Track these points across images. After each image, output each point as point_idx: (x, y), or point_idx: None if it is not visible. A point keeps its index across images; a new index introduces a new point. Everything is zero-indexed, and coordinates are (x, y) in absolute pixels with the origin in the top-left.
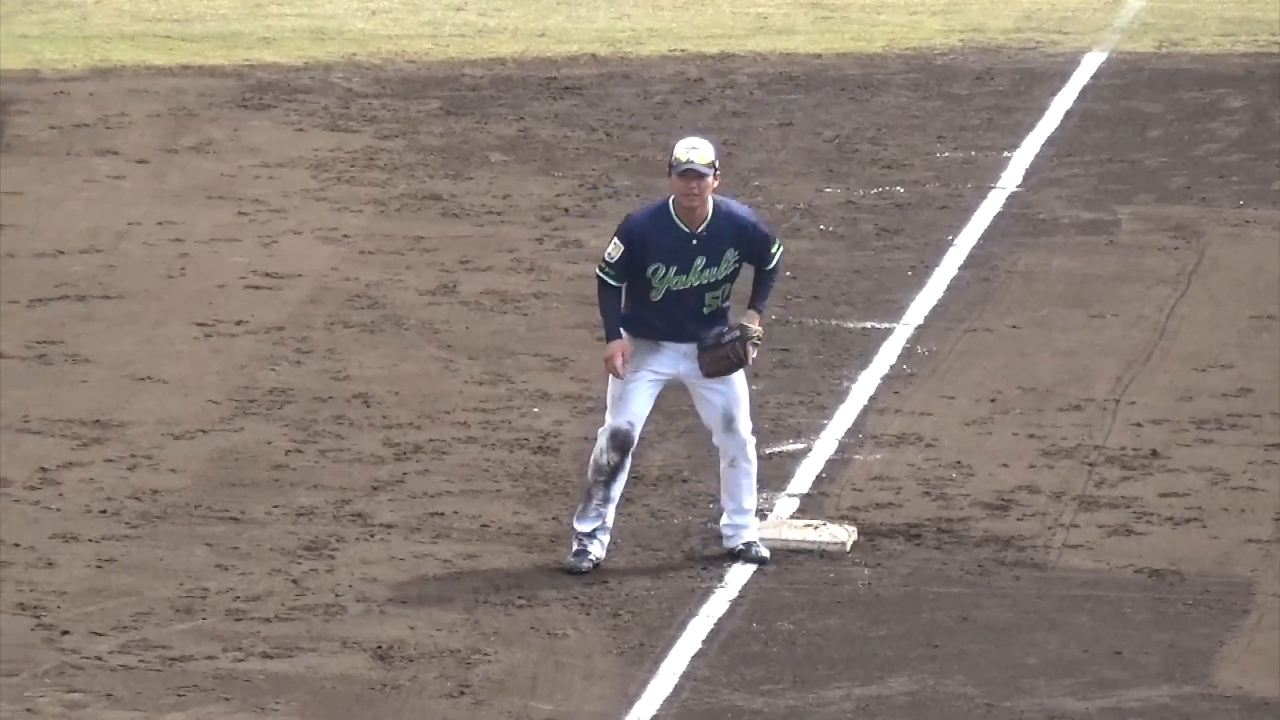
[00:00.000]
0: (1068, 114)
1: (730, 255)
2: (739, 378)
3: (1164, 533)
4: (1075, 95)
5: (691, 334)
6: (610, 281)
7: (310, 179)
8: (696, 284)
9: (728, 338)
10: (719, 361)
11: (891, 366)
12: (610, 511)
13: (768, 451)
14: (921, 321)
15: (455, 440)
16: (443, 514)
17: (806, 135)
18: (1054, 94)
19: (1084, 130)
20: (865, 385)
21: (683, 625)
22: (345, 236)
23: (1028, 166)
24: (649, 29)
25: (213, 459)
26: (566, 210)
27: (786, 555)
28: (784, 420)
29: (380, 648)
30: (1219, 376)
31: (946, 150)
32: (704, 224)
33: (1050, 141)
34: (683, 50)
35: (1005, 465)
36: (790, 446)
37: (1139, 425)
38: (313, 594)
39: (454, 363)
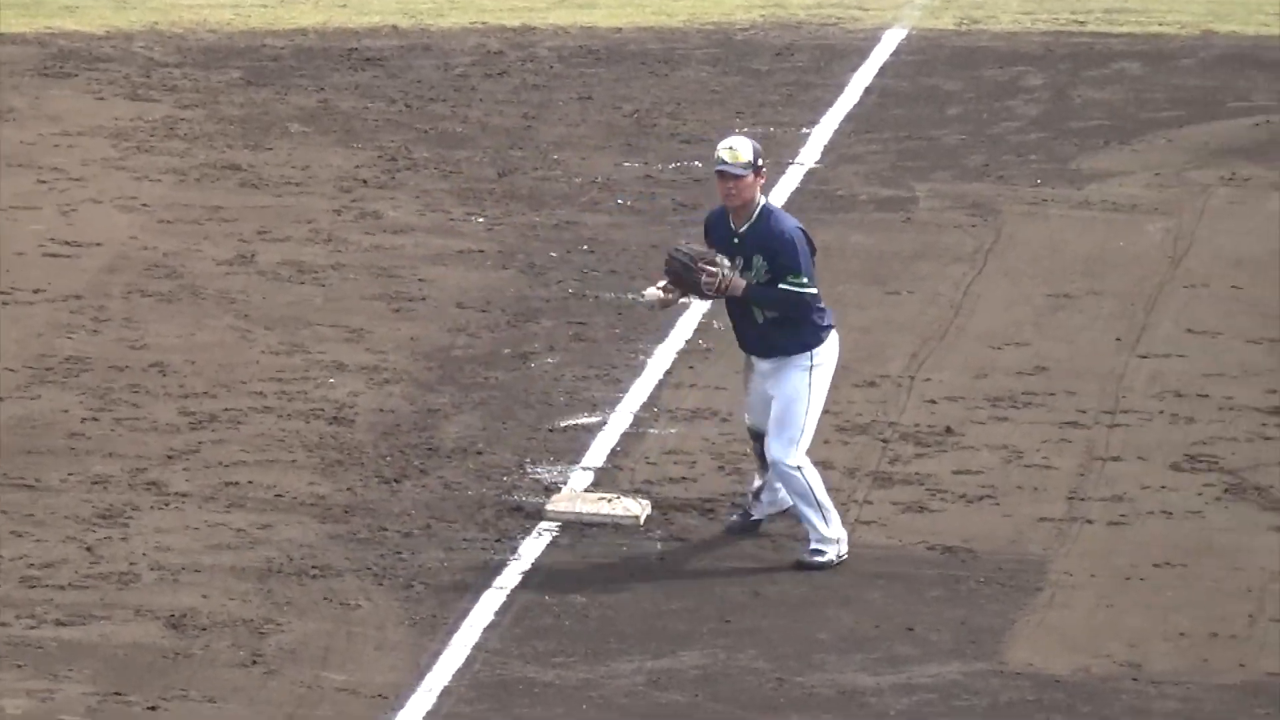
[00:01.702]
0: (867, 91)
1: (759, 262)
2: (792, 397)
3: (957, 510)
4: (875, 72)
5: (752, 345)
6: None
7: (110, 148)
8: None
9: (698, 260)
10: (671, 276)
11: (687, 341)
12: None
13: (562, 424)
14: None
15: (251, 410)
16: (238, 483)
17: (606, 109)
18: (854, 70)
19: (883, 107)
20: (661, 359)
21: (475, 597)
22: (144, 206)
23: (826, 143)
24: (450, 1)
25: (8, 426)
26: (365, 182)
27: (580, 528)
28: (579, 394)
29: (173, 616)
30: (1014, 354)
31: (745, 125)
32: (746, 224)
33: (849, 118)
34: (484, 23)
35: None
36: (585, 420)
37: (934, 402)
38: (107, 562)
39: (251, 333)
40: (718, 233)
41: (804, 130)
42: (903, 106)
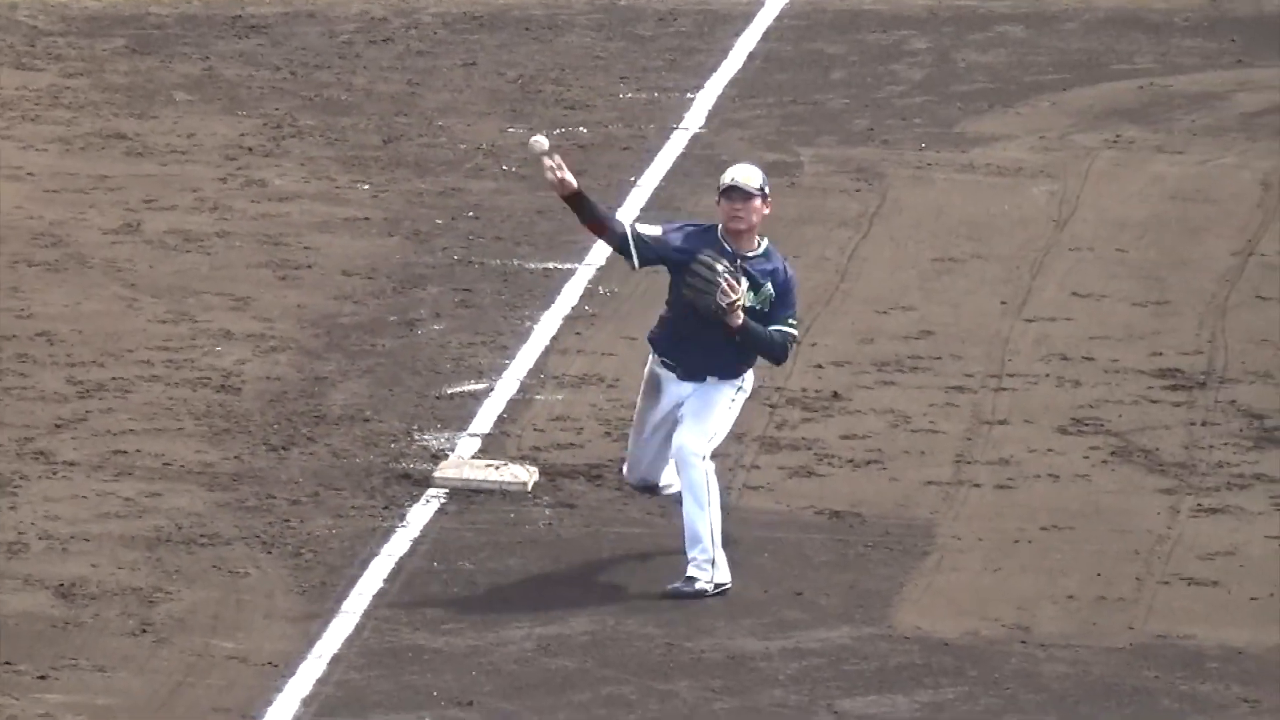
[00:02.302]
0: (751, 55)
1: (768, 290)
2: (715, 413)
3: (844, 474)
4: (759, 37)
5: (709, 368)
6: (626, 230)
7: None
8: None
9: (722, 273)
10: (692, 289)
11: (574, 307)
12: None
13: (449, 391)
14: (603, 262)
15: (138, 379)
16: (125, 452)
17: (490, 75)
18: (737, 35)
19: (766, 72)
20: (547, 326)
21: (364, 564)
22: (29, 175)
23: (710, 108)
24: None
25: None
26: (250, 149)
27: (468, 495)
28: (465, 360)
29: (62, 585)
30: (900, 319)
31: (630, 91)
32: (752, 254)
33: (733, 83)
34: None
35: None
36: (472, 386)
37: (820, 367)
38: None
39: (137, 301)
40: (706, 249)
41: (688, 95)
42: (786, 71)
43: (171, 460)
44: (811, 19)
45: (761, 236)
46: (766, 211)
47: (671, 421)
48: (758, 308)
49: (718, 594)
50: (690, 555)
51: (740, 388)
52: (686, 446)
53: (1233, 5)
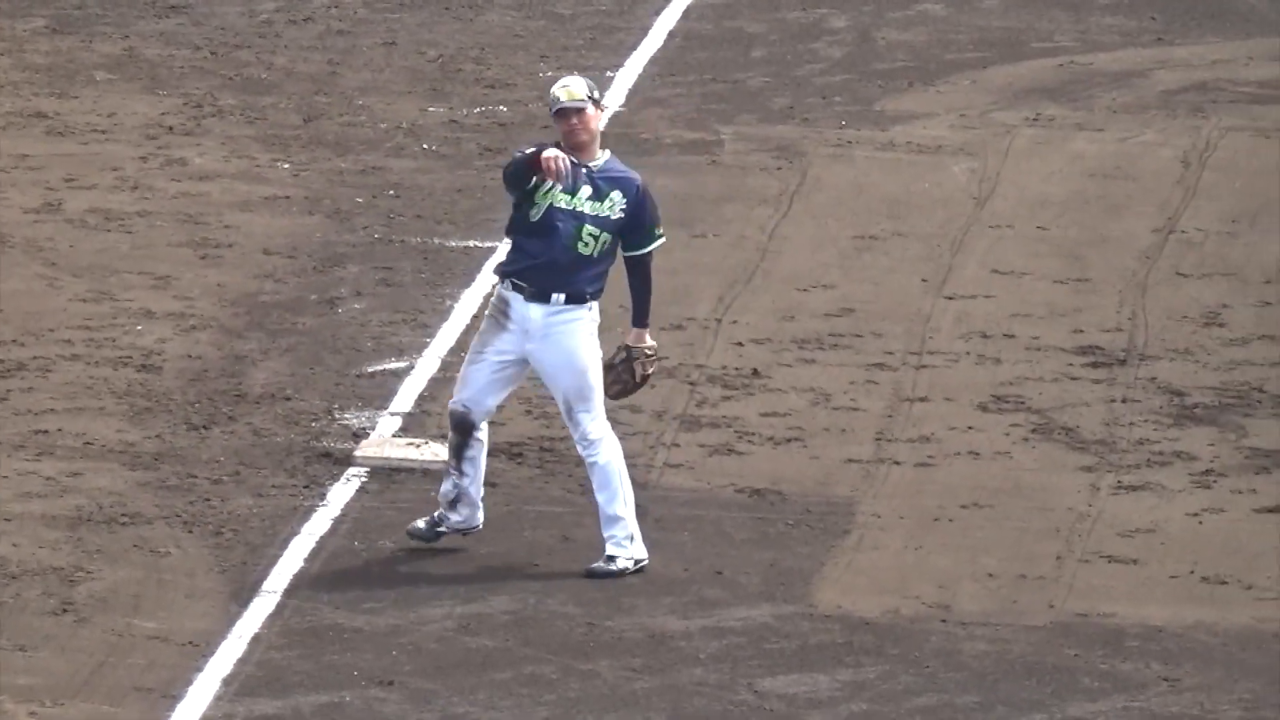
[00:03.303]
0: (671, 34)
1: (617, 198)
2: (585, 366)
3: (765, 452)
4: (678, 15)
5: (556, 284)
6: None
7: None
8: (578, 209)
9: (617, 359)
10: (615, 385)
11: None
12: (468, 484)
13: (370, 370)
14: None
15: (59, 358)
16: (47, 431)
17: (410, 54)
18: (657, 14)
19: (687, 50)
20: (468, 304)
21: (285, 544)
22: None
23: (631, 86)
24: None
25: None
26: (171, 129)
27: (389, 474)
28: (386, 339)
29: None
30: (820, 296)
31: (550, 70)
32: (598, 162)
33: (653, 61)
34: None
35: None
36: (393, 365)
37: (741, 345)
38: None
39: (58, 280)
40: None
41: (608, 74)
42: (707, 49)
43: (93, 440)
44: None
45: (604, 149)
46: (602, 118)
47: (515, 361)
48: (607, 215)
49: (637, 571)
50: (607, 534)
51: (594, 320)
52: (585, 433)
53: None
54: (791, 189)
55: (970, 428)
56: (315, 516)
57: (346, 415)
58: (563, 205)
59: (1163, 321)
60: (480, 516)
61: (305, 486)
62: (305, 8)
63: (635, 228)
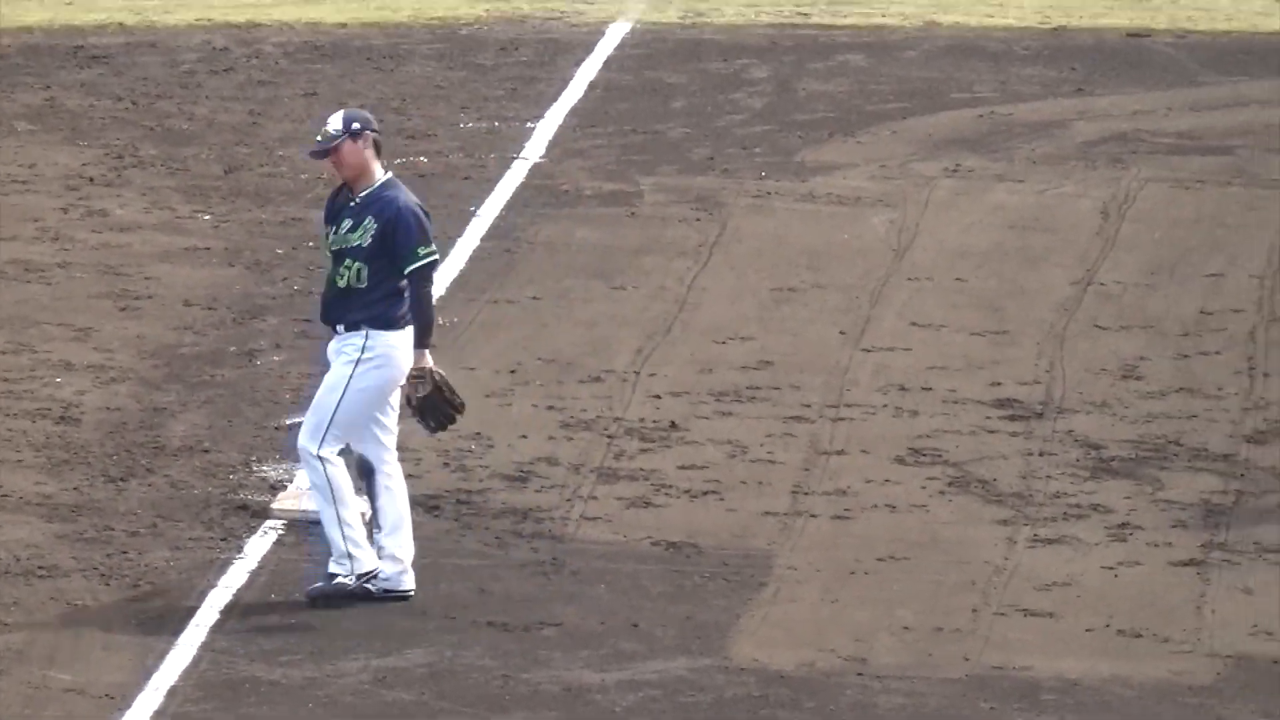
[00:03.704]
0: (592, 85)
1: (369, 224)
2: (331, 386)
3: (682, 505)
4: (599, 66)
5: (332, 315)
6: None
7: None
8: (339, 243)
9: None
10: (409, 409)
11: None
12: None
13: (288, 422)
14: (444, 292)
15: None
16: None
17: (332, 105)
18: (578, 64)
19: (607, 101)
20: None
21: (201, 596)
22: None
23: (551, 137)
24: None
25: None
26: (92, 180)
27: (306, 526)
28: (305, 391)
29: None
30: (739, 349)
31: (471, 121)
32: (365, 191)
33: (574, 112)
34: (209, 20)
35: (525, 437)
36: None
37: (658, 397)
38: None
39: None
40: (337, 202)
41: (529, 125)
42: (627, 100)
43: (10, 492)
44: (652, 48)
45: (387, 171)
46: (364, 149)
47: None
48: (359, 244)
49: (366, 583)
50: (330, 565)
51: (360, 360)
52: (300, 444)
53: (1073, 34)
54: (711, 240)
55: (887, 480)
56: (232, 569)
57: (264, 467)
58: (329, 241)
59: (1080, 374)
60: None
61: (223, 539)
62: (226, 58)
63: (393, 249)
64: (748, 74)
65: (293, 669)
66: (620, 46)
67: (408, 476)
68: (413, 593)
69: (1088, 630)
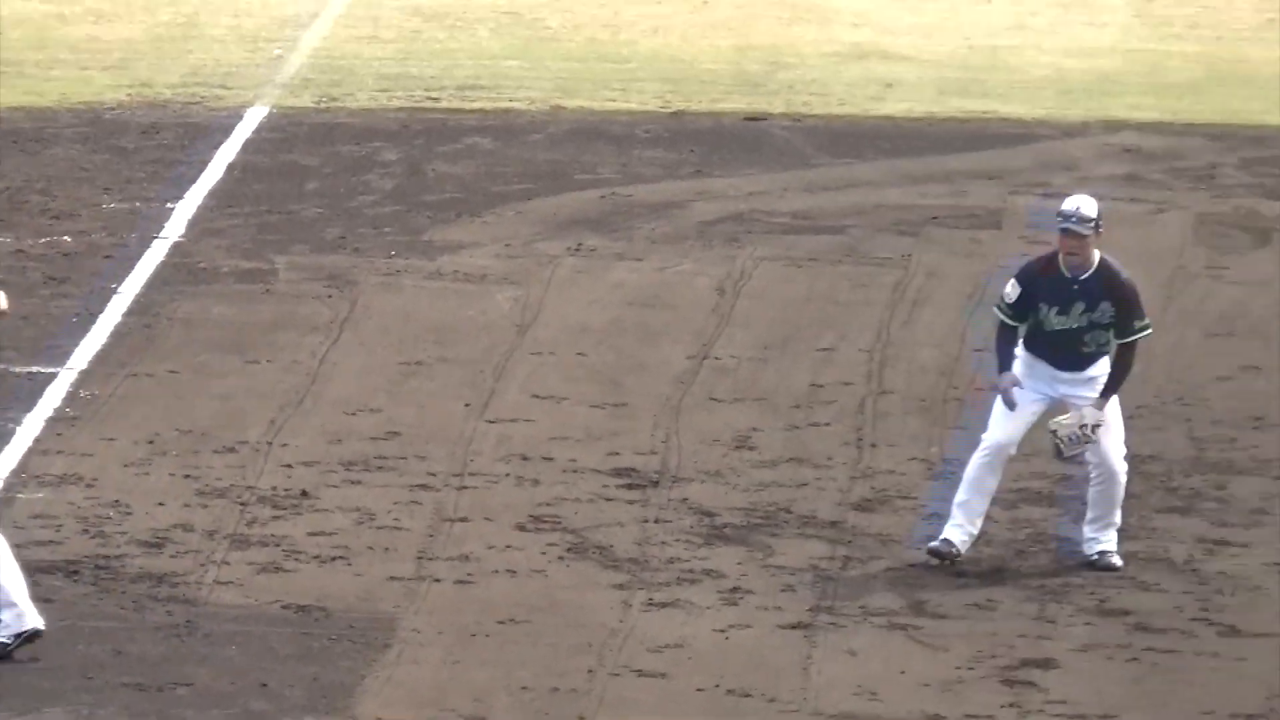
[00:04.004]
0: (230, 167)
1: (1106, 307)
2: (1110, 412)
3: (311, 570)
4: (237, 148)
5: (1074, 363)
6: (1007, 320)
7: None
8: (1075, 326)
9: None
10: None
11: (56, 409)
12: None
13: None
14: (86, 366)
15: None
16: None
17: None
18: (217, 147)
19: (245, 182)
20: (30, 427)
21: None
22: None
23: (190, 217)
24: None
25: None
26: None
27: None
28: None
29: None
30: (368, 420)
31: (113, 202)
32: (1088, 273)
33: (212, 193)
34: None
35: (161, 504)
36: None
37: (290, 466)
38: None
39: None
40: (1050, 285)
41: (169, 205)
42: (263, 181)
43: None
44: (288, 131)
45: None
46: (1099, 238)
47: None
48: (1101, 324)
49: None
50: (1108, 536)
51: None
52: (1114, 465)
53: (692, 118)
54: (342, 317)
55: (509, 546)
56: None
57: None
58: (1061, 326)
59: (695, 445)
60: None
61: None
62: None
63: (1121, 327)
64: (379, 156)
65: None
66: (258, 130)
67: (48, 543)
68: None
69: (699, 690)
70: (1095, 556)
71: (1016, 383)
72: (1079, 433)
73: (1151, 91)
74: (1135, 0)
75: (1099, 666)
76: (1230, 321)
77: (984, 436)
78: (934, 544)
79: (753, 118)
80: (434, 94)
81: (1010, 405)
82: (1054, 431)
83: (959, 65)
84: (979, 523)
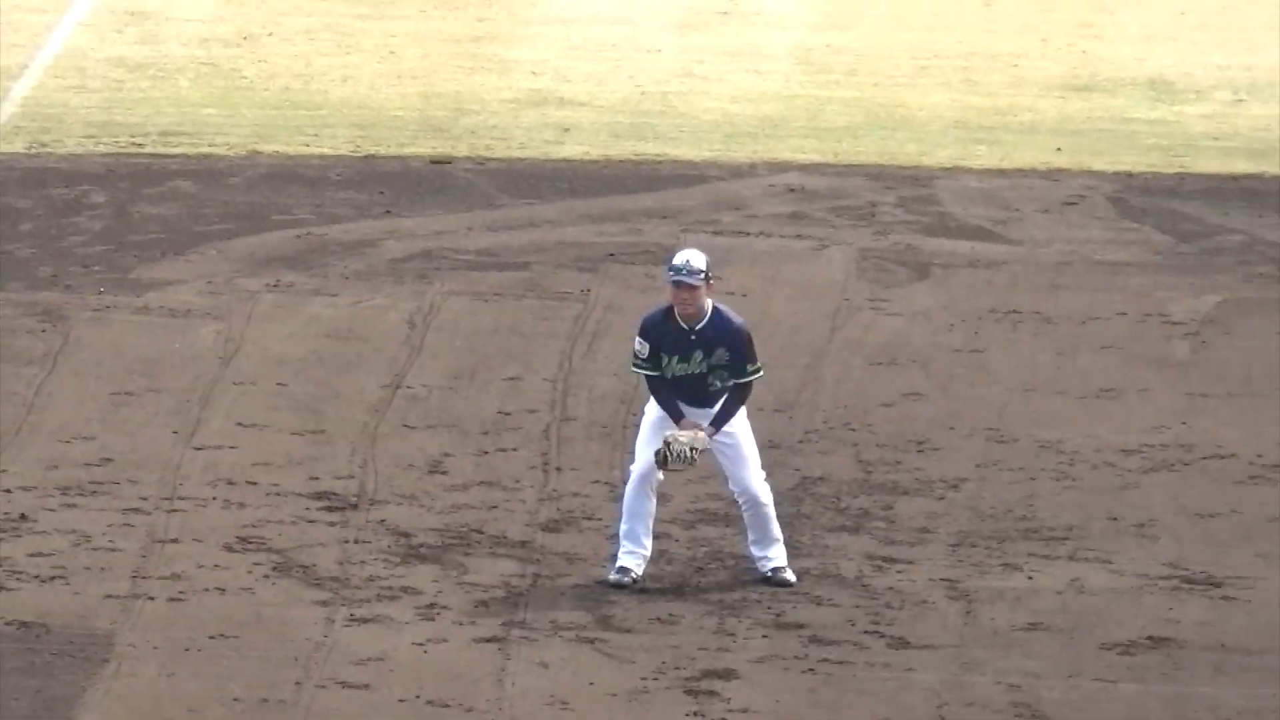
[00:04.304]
0: None
1: (722, 353)
2: (743, 440)
3: (32, 589)
4: None
5: (701, 400)
6: (648, 374)
7: None
8: (696, 372)
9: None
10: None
11: None
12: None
13: None
14: None
15: None
16: None
17: None
18: None
19: None
20: None
21: None
22: None
23: None
24: None
25: None
26: None
27: None
28: None
29: None
30: (83, 447)
31: None
32: (702, 322)
33: None
34: None
35: None
36: None
37: (9, 492)
38: None
39: None
40: (664, 332)
41: None
42: None
43: None
44: (1, 176)
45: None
46: (710, 289)
47: None
48: (719, 366)
49: None
50: (774, 553)
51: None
52: (754, 487)
53: (381, 162)
54: (55, 350)
55: (217, 566)
56: None
57: None
58: (683, 373)
59: (391, 469)
60: None
61: None
62: None
63: (737, 369)
64: (88, 199)
65: None
66: None
67: None
68: None
69: (400, 700)
70: (769, 573)
71: (698, 425)
72: (685, 452)
73: (814, 134)
74: (797, 49)
75: (777, 677)
76: (893, 351)
77: (632, 467)
78: (612, 576)
79: (438, 161)
80: (138, 140)
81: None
82: (667, 443)
83: (632, 110)
84: (648, 542)
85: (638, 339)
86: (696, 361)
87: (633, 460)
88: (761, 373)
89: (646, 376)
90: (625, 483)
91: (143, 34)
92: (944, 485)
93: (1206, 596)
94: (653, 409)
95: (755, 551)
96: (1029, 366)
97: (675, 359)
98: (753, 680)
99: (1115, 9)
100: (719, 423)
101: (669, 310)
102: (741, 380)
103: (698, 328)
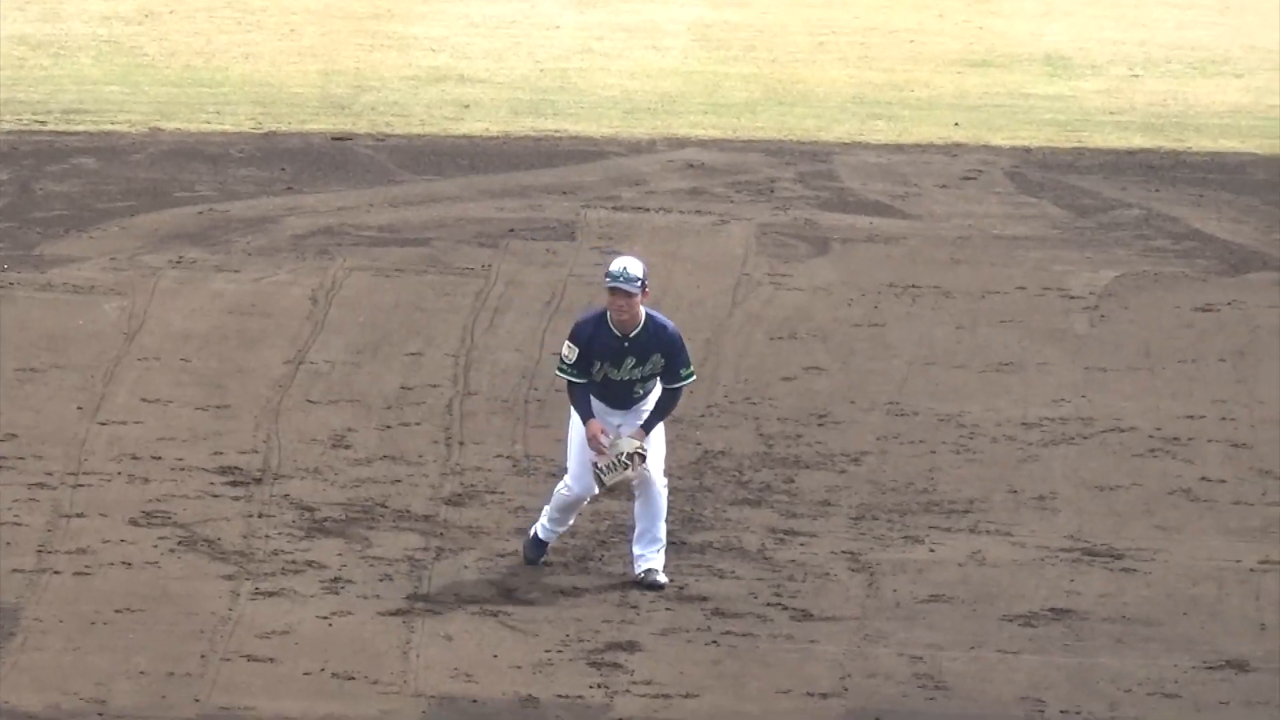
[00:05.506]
0: None
1: (657, 359)
2: (656, 439)
3: None
4: None
5: (626, 404)
6: (573, 379)
7: None
8: (627, 378)
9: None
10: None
11: None
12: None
13: None
14: None
15: None
16: None
17: None
18: None
19: None
20: None
21: None
22: None
23: None
24: None
25: None
26: None
27: None
28: None
29: None
30: None
31: None
32: (636, 329)
33: None
34: None
35: None
36: None
37: None
38: None
39: None
40: (603, 343)
41: None
42: None
43: None
44: None
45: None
46: (645, 297)
47: None
48: (650, 374)
49: None
50: (653, 552)
51: None
52: (657, 483)
53: (283, 138)
54: None
55: (123, 540)
56: None
57: None
58: (615, 378)
59: (295, 444)
60: None
61: None
62: None
63: (671, 373)
64: None
65: None
66: None
67: None
68: None
69: (305, 674)
70: (642, 575)
71: (604, 430)
72: (616, 461)
73: (712, 110)
74: (695, 25)
75: (680, 649)
76: (793, 325)
77: (567, 479)
78: (542, 534)
79: (339, 137)
80: (40, 117)
81: (599, 449)
82: (595, 464)
83: (531, 87)
84: (562, 530)
85: (567, 343)
86: (628, 368)
87: (566, 471)
88: (695, 377)
89: (569, 382)
90: (529, 457)
91: (44, 11)
92: (845, 459)
93: (1107, 568)
94: (577, 424)
95: (636, 550)
96: (928, 340)
97: (606, 364)
98: (656, 652)
99: None
100: (651, 424)
101: (603, 316)
102: (677, 385)
103: (632, 335)
